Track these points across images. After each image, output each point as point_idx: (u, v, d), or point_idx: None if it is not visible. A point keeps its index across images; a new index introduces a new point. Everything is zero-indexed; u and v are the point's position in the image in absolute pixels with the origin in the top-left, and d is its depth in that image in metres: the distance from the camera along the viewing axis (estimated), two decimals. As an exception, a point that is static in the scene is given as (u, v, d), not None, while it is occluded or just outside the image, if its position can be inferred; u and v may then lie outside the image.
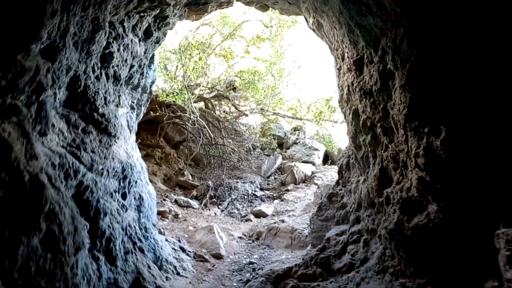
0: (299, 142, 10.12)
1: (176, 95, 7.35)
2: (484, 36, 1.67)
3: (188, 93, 7.33)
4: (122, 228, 3.13)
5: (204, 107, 9.10)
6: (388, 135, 2.64)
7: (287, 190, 7.61)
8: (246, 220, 6.26)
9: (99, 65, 3.05)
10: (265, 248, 5.05)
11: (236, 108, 9.26)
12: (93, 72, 2.94)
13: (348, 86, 3.34)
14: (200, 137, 7.89)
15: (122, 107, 3.62)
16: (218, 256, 4.69)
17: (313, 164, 9.02)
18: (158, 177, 7.46)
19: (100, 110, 3.04)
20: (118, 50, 3.25)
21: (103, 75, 3.13)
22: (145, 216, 3.85)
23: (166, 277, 3.76)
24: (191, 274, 4.13)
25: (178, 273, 3.99)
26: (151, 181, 4.74)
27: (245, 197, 7.38)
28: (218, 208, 6.83)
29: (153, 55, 4.25)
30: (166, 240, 4.48)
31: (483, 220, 1.83)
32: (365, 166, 3.23)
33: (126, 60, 3.46)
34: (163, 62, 8.30)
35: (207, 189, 7.22)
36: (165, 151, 8.25)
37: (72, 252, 2.00)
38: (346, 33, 2.96)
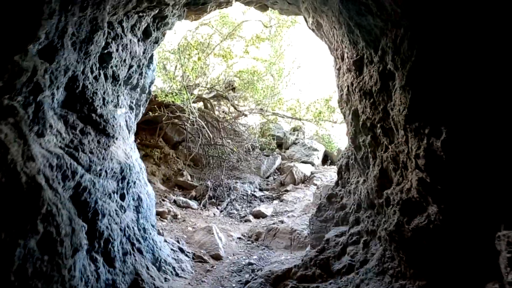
0: (299, 142, 10.11)
1: (175, 95, 7.34)
2: (485, 36, 1.67)
3: (187, 93, 7.32)
4: (120, 229, 3.12)
5: (203, 107, 9.08)
6: (388, 136, 2.63)
7: (286, 191, 7.60)
8: (245, 221, 6.25)
9: (98, 65, 3.03)
10: (264, 249, 5.03)
11: (235, 108, 9.25)
12: (92, 72, 2.92)
13: (348, 86, 3.33)
14: (199, 137, 7.87)
15: (120, 107, 3.60)
16: (217, 257, 4.68)
17: (313, 164, 9.01)
18: (157, 178, 7.44)
19: (99, 110, 3.02)
20: (117, 50, 3.23)
21: (102, 75, 3.11)
22: (144, 217, 3.83)
23: (165, 278, 3.74)
24: (190, 275, 4.12)
25: (177, 274, 3.97)
26: (150, 181, 4.72)
27: (244, 197, 7.36)
28: (217, 208, 6.82)
29: (152, 55, 4.24)
30: (165, 241, 4.46)
31: (484, 222, 1.82)
32: (364, 167, 3.22)
33: (125, 60, 3.44)
34: (162, 62, 8.28)
35: (206, 190, 7.20)
36: (164, 151, 8.23)
37: (69, 254, 1.98)
38: (346, 33, 2.95)
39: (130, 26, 3.39)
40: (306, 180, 8.16)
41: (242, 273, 4.22)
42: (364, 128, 3.04)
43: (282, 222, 5.61)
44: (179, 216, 6.02)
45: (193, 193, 7.26)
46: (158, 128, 8.24)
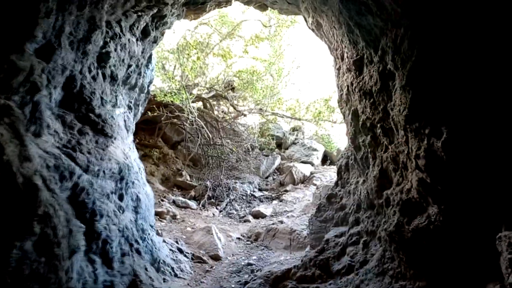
0: (298, 142, 10.10)
1: (174, 95, 7.31)
2: (486, 36, 1.65)
3: (186, 93, 7.30)
4: (119, 230, 3.09)
5: (202, 107, 9.06)
6: (388, 136, 2.62)
7: (286, 191, 7.59)
8: (245, 221, 6.23)
9: (96, 65, 3.01)
10: (263, 249, 5.02)
11: (234, 108, 9.22)
12: (90, 72, 2.90)
13: (348, 86, 3.32)
14: (198, 137, 7.85)
15: (119, 107, 3.58)
16: (216, 258, 4.66)
17: (312, 164, 9.00)
18: (156, 178, 7.42)
19: (97, 110, 3.00)
20: (115, 49, 3.21)
21: (100, 75, 3.09)
22: (143, 218, 3.81)
23: (164, 279, 3.72)
24: (189, 276, 4.10)
25: (175, 275, 3.95)
26: (148, 181, 4.70)
27: (244, 197, 7.35)
28: (217, 208, 6.80)
29: (150, 55, 4.21)
30: (164, 241, 4.44)
31: (484, 223, 1.81)
32: (364, 167, 3.21)
33: (123, 60, 3.42)
34: (161, 62, 8.25)
35: (205, 190, 7.18)
36: (163, 151, 8.21)
37: (67, 256, 1.96)
38: (346, 33, 2.93)
39: (128, 26, 3.37)
40: (306, 180, 8.15)
41: (241, 274, 4.20)
42: (364, 128, 3.02)
43: (281, 222, 5.60)
44: (178, 217, 6.00)
45: (192, 193, 7.24)
46: (157, 128, 8.21)
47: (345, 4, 2.59)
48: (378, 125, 2.71)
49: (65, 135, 2.55)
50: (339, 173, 4.25)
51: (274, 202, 7.13)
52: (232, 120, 9.19)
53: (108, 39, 3.06)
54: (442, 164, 1.89)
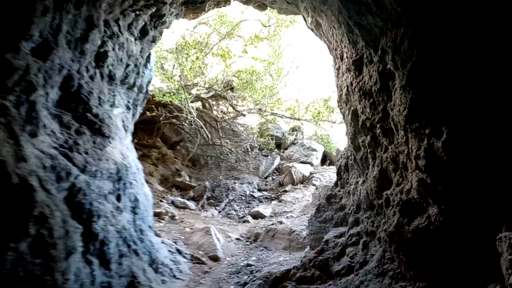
0: (297, 142, 10.08)
1: (173, 95, 7.29)
2: (486, 36, 1.64)
3: (185, 93, 7.27)
4: (116, 231, 3.07)
5: (201, 107, 9.04)
6: (388, 136, 2.60)
7: (285, 191, 7.57)
8: (244, 222, 6.21)
9: (94, 64, 2.98)
10: (263, 249, 5.00)
11: (233, 108, 9.21)
12: (87, 71, 2.88)
13: (347, 86, 3.30)
14: (197, 137, 7.84)
15: (117, 107, 3.55)
16: (215, 258, 4.64)
17: (311, 164, 8.99)
18: (155, 178, 7.39)
19: (94, 110, 2.98)
20: (113, 49, 3.19)
21: (98, 74, 3.07)
22: (141, 218, 3.78)
23: (162, 280, 3.70)
24: (188, 277, 4.08)
25: (174, 276, 3.93)
26: (147, 182, 4.68)
27: (243, 198, 7.33)
28: (216, 209, 6.78)
29: (149, 54, 4.19)
30: (162, 242, 4.41)
31: (485, 223, 1.79)
32: (364, 167, 3.19)
33: (121, 59, 3.40)
34: (160, 62, 8.22)
35: (204, 190, 7.16)
36: (161, 152, 8.18)
37: (63, 257, 1.94)
38: (345, 32, 2.92)
39: (126, 25, 3.35)
40: (305, 180, 8.13)
41: (240, 275, 4.18)
42: (363, 128, 3.01)
43: (281, 222, 5.58)
44: (176, 217, 5.97)
45: (191, 193, 7.22)
46: (155, 128, 8.19)
47: (345, 3, 2.58)
48: (378, 125, 2.70)
49: (62, 135, 2.53)
50: (338, 173, 4.24)
51: (274, 202, 7.11)
52: (231, 120, 9.17)
53: (106, 38, 3.04)
54: (442, 164, 1.88)
